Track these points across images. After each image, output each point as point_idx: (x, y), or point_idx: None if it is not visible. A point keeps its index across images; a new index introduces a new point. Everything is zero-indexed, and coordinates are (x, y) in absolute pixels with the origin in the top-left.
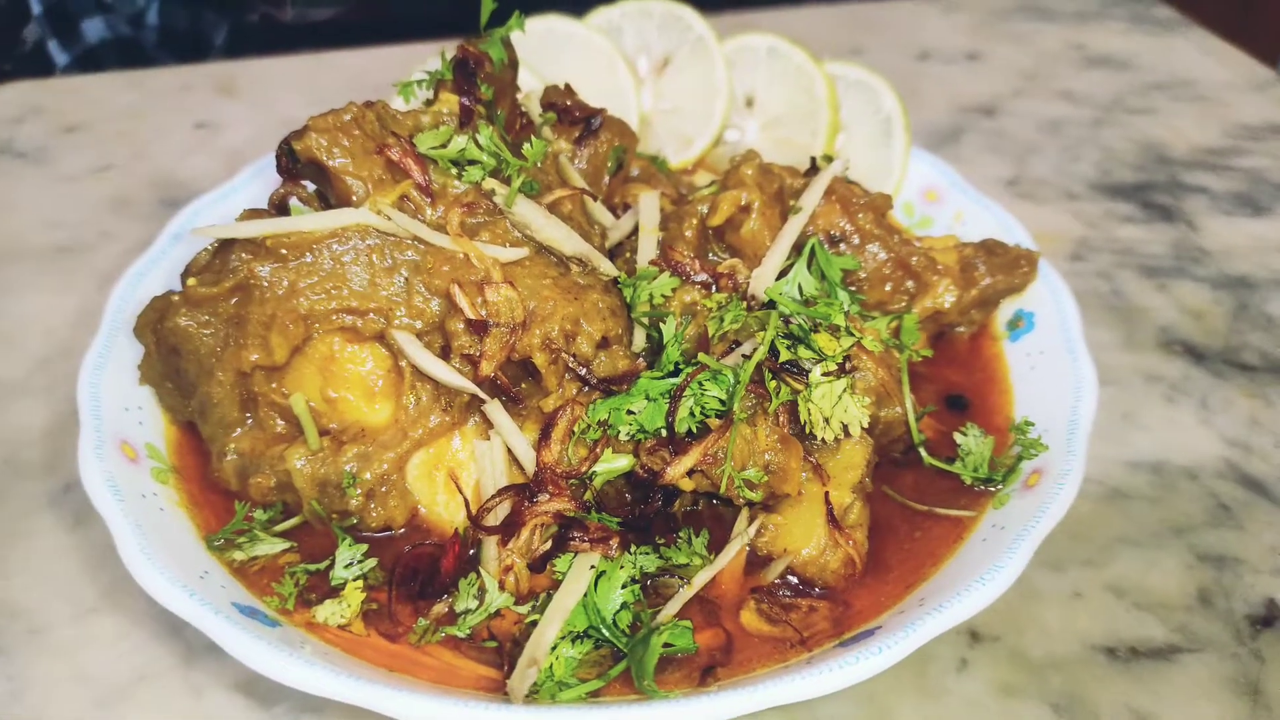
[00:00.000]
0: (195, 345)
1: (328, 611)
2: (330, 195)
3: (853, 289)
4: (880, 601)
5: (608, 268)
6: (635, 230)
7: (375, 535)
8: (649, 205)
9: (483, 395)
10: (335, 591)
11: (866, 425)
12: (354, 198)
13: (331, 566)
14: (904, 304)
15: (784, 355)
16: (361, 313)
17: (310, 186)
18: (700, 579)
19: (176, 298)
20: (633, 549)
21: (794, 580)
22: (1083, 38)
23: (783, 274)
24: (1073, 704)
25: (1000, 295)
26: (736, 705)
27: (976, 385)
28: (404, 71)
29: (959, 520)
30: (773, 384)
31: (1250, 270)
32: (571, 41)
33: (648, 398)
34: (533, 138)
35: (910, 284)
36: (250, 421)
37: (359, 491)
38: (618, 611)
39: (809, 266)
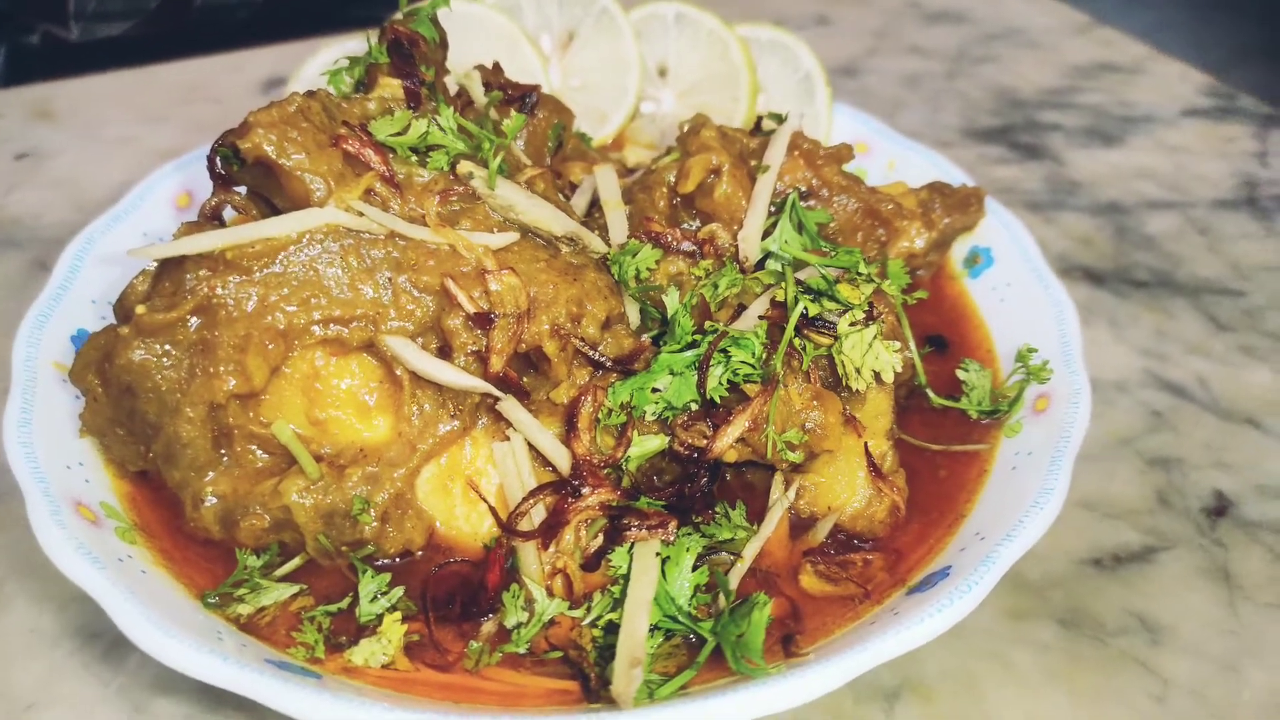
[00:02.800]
0: (154, 381)
1: (366, 652)
2: (278, 198)
3: (826, 241)
4: (929, 544)
5: (599, 245)
6: (592, 207)
7: (392, 562)
8: (608, 180)
9: (497, 393)
10: (365, 630)
11: (900, 370)
12: (314, 197)
13: (355, 603)
14: (875, 251)
15: (813, 310)
16: (345, 321)
17: (242, 191)
18: (750, 551)
19: (124, 330)
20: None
21: (840, 537)
22: None
23: (765, 234)
24: (1077, 617)
25: (955, 234)
26: (856, 665)
27: (950, 324)
28: (237, 79)
29: (975, 455)
30: (798, 341)
31: (1118, 196)
32: (471, 22)
33: (672, 373)
34: (513, 112)
35: (881, 231)
36: (226, 459)
37: (373, 517)
38: (691, 597)
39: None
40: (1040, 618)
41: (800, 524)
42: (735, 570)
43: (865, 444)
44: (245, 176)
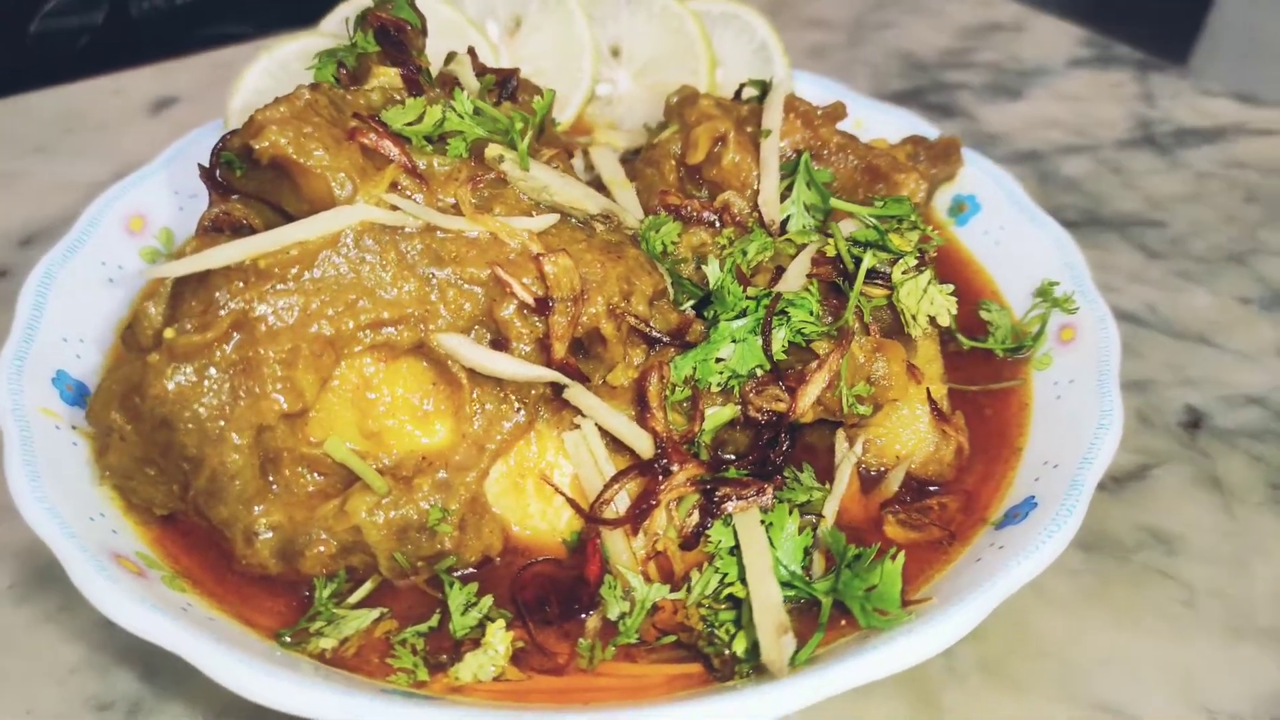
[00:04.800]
0: (193, 410)
1: (474, 666)
2: (292, 201)
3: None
4: (995, 480)
5: (632, 220)
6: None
7: (471, 572)
8: (608, 160)
9: (565, 380)
10: (463, 645)
11: (955, 312)
12: (338, 195)
13: (445, 619)
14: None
15: (869, 262)
16: (393, 322)
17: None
18: (830, 509)
19: (154, 358)
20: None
21: (912, 484)
22: None
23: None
24: (1097, 540)
25: (939, 184)
26: (990, 599)
27: (948, 270)
28: (120, 103)
29: (1010, 391)
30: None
31: (1033, 145)
32: None
33: (734, 340)
34: (543, 89)
35: (880, 186)
36: (276, 487)
37: (452, 526)
38: (803, 559)
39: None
40: None
41: (868, 478)
42: (821, 530)
43: (927, 389)
44: (250, 183)
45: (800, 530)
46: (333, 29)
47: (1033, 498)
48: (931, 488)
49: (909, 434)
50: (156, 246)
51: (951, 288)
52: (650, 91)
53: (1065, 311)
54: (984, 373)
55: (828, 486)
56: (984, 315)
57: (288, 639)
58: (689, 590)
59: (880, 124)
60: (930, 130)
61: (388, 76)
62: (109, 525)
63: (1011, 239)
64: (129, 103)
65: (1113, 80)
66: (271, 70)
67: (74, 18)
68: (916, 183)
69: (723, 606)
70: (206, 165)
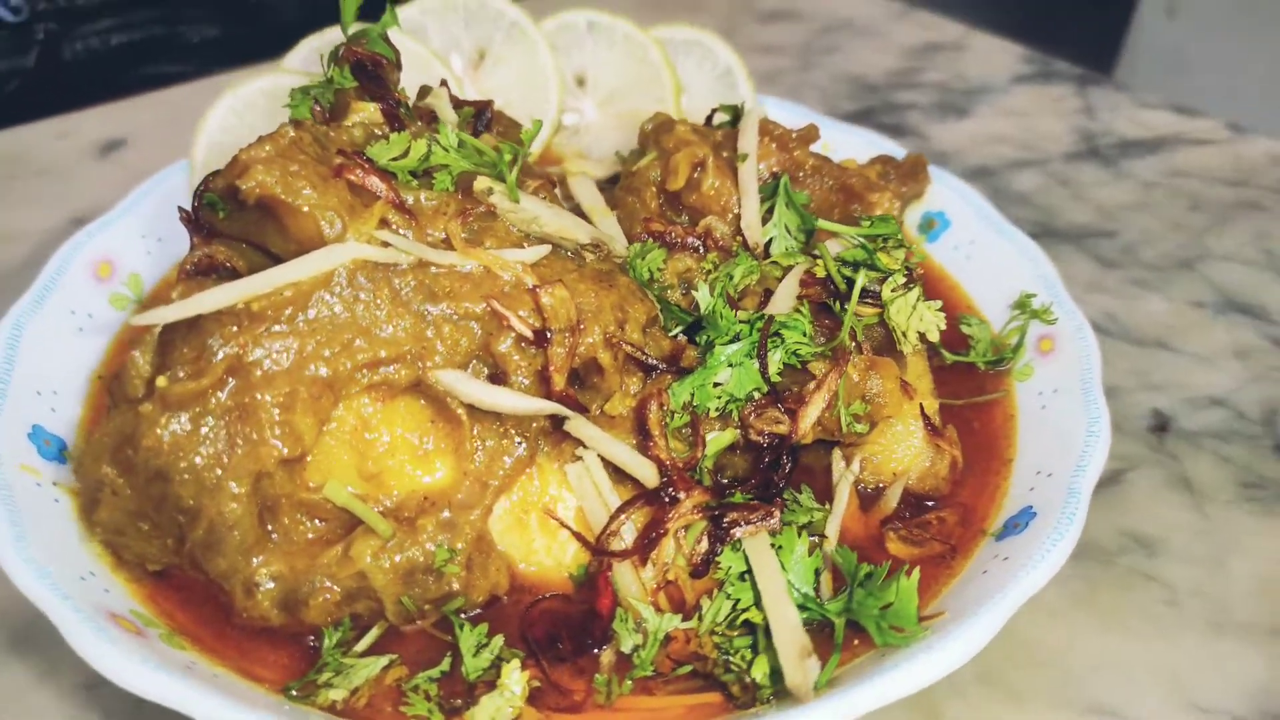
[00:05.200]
0: (189, 461)
1: (490, 710)
2: (277, 242)
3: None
4: (990, 492)
5: (620, 249)
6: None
7: (478, 612)
8: (588, 189)
9: (566, 412)
10: (476, 688)
11: (944, 328)
12: (327, 233)
13: (457, 662)
14: None
15: (861, 281)
16: (390, 361)
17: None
18: (833, 529)
19: (147, 408)
20: None
21: (910, 500)
22: None
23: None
24: (1080, 546)
25: (909, 202)
26: (1003, 611)
27: (924, 286)
28: (66, 146)
29: (994, 404)
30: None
31: (983, 161)
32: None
33: (730, 365)
34: (532, 119)
35: (855, 206)
36: (275, 536)
37: (459, 566)
38: (814, 581)
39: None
40: None
41: (866, 495)
42: (828, 550)
43: (920, 405)
44: (234, 224)
45: (810, 552)
46: (297, 65)
47: (1030, 507)
48: (928, 503)
49: (904, 450)
50: (126, 293)
51: (939, 304)
52: (617, 120)
53: (1044, 322)
54: (967, 387)
55: (827, 507)
56: (965, 330)
57: (295, 692)
58: (700, 619)
59: (847, 145)
60: (896, 149)
61: (367, 112)
62: (100, 584)
63: (982, 253)
64: (76, 146)
65: (1054, 95)
66: (236, 109)
67: (2, 61)
68: (891, 201)
69: (736, 633)
70: (188, 209)
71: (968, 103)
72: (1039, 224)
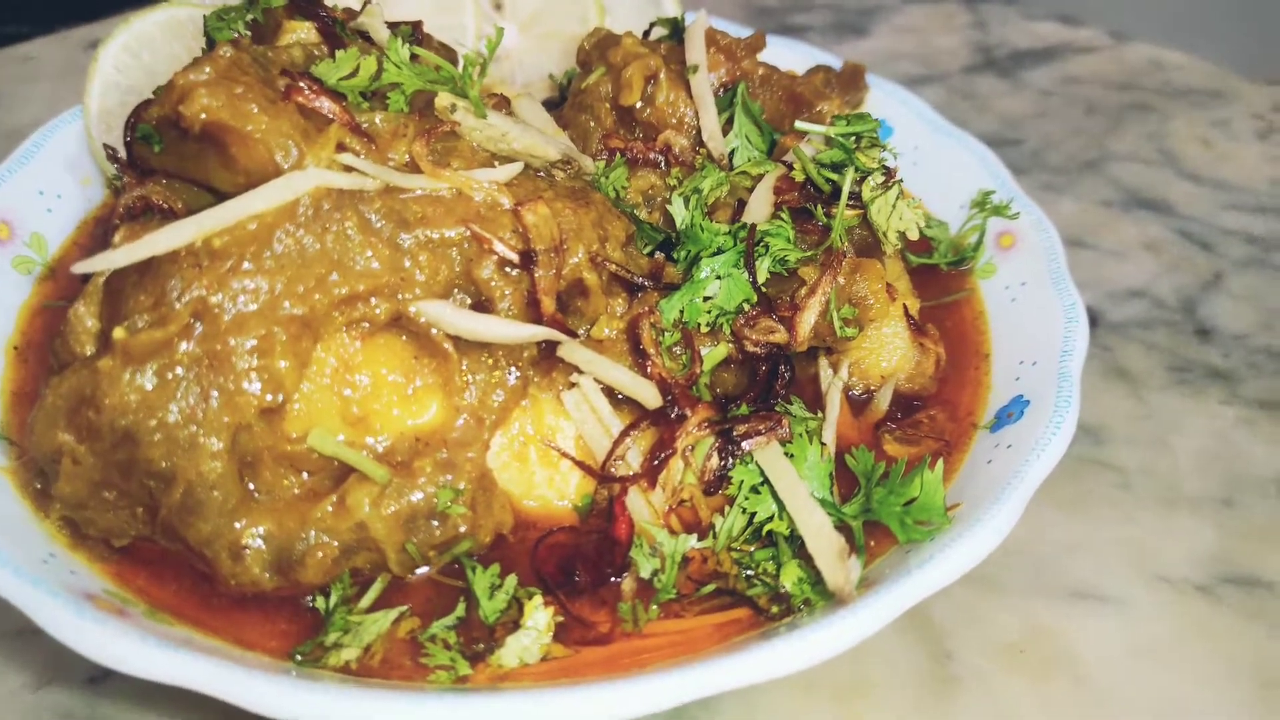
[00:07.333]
0: (159, 417)
1: (517, 649)
2: (222, 176)
3: None
4: (973, 388)
5: (589, 164)
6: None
7: (484, 554)
8: (535, 109)
9: (559, 337)
10: (496, 630)
11: (924, 225)
12: (282, 161)
13: (472, 606)
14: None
15: (849, 181)
16: (368, 296)
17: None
18: (829, 435)
19: (105, 363)
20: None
21: (899, 401)
22: None
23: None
24: None
25: (850, 109)
26: (1023, 494)
27: None
28: None
29: (961, 302)
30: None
31: (887, 77)
32: None
33: (718, 277)
34: (494, 26)
35: (804, 114)
36: (258, 494)
37: (464, 507)
38: (829, 485)
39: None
40: None
41: (855, 401)
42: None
43: (904, 305)
44: (170, 159)
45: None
46: None
47: (1022, 396)
48: (915, 403)
49: (891, 351)
50: (29, 255)
51: (918, 201)
52: (540, 41)
53: (1005, 217)
54: (932, 289)
55: (820, 415)
56: (926, 232)
57: (300, 657)
58: (715, 537)
59: (785, 58)
60: (832, 59)
61: (302, 31)
62: (64, 565)
63: (928, 158)
64: None
65: (946, 11)
66: (131, 47)
67: None
68: (840, 108)
69: (753, 547)
70: (118, 147)
71: (863, 22)
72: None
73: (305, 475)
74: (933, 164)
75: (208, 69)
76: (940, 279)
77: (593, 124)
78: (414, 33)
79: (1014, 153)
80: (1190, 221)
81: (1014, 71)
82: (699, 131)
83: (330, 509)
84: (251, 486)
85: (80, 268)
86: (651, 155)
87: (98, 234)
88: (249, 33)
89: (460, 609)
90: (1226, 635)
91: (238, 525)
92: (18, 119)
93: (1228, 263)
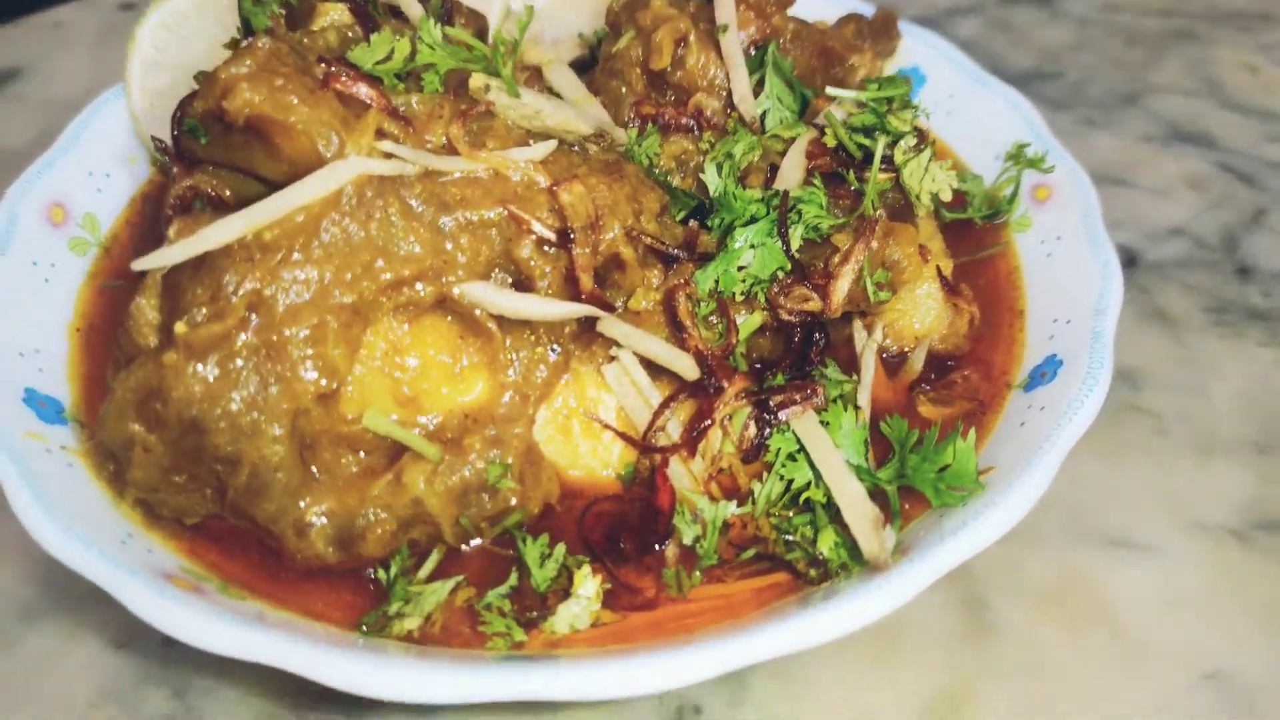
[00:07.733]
0: (224, 406)
1: (569, 616)
2: (268, 165)
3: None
4: (1007, 344)
5: (622, 136)
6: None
7: (534, 523)
8: (567, 76)
9: (598, 313)
10: (548, 598)
11: (956, 185)
12: (324, 150)
13: (524, 575)
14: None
15: (882, 146)
16: (413, 280)
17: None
18: (864, 398)
19: (170, 357)
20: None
21: (933, 362)
22: None
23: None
24: None
25: (883, 60)
26: (1057, 454)
27: None
28: None
29: (996, 257)
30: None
31: (922, 11)
32: None
33: (752, 246)
34: (524, 5)
35: (836, 69)
36: (318, 474)
37: (512, 480)
38: (864, 452)
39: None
40: None
41: (888, 362)
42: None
43: (937, 266)
44: (216, 150)
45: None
46: None
47: (1055, 355)
48: (948, 363)
49: (925, 312)
50: (84, 236)
51: (949, 163)
52: (568, 0)
53: (1040, 171)
54: (965, 244)
55: (855, 378)
56: (960, 186)
57: (366, 627)
58: (754, 503)
59: (813, 5)
60: (864, 6)
61: (336, 13)
62: (142, 545)
63: (962, 107)
64: None
65: None
66: (168, 24)
67: None
68: (872, 61)
69: (791, 512)
70: (167, 140)
71: None
72: (988, 68)
73: (362, 454)
74: (968, 113)
75: (248, 62)
76: (975, 233)
77: (624, 89)
78: (443, 4)
79: (1053, 87)
80: (1233, 155)
81: (1051, 1)
82: (730, 93)
83: (387, 486)
84: (313, 468)
85: (139, 265)
86: (684, 120)
87: (147, 211)
88: (283, 12)
89: (513, 578)
90: (1262, 581)
91: (301, 504)
92: (56, 90)
93: (1270, 197)
